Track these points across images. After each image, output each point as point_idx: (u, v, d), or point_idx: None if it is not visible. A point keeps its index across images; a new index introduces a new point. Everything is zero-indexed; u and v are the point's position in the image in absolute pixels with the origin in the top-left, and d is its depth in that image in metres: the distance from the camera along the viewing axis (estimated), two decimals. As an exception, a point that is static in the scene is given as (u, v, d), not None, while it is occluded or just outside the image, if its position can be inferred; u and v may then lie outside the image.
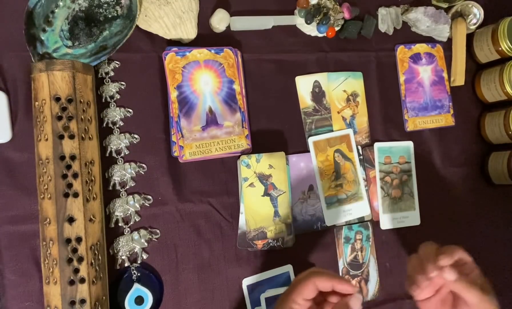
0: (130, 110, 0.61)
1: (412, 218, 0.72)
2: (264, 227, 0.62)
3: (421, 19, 0.73)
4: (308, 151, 0.67)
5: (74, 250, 0.50)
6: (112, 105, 0.60)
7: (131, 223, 0.59)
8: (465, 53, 0.76)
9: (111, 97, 0.60)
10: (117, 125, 0.60)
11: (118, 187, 0.59)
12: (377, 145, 0.71)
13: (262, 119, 0.66)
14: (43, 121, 0.50)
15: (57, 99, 0.51)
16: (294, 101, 0.68)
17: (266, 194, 0.63)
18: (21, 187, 0.55)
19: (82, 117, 0.52)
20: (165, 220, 0.61)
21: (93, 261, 0.50)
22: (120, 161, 0.59)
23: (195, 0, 0.63)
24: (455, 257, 0.46)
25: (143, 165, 0.61)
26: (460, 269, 0.47)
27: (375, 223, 0.70)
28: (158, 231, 0.60)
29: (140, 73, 0.62)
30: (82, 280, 0.49)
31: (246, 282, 0.63)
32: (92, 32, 0.58)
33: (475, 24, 0.77)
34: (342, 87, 0.71)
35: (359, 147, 0.71)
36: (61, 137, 0.50)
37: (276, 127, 0.67)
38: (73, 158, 0.50)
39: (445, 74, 0.77)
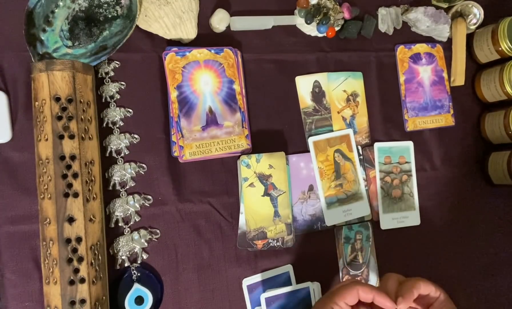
0: (130, 110, 0.61)
1: (412, 218, 0.72)
2: (264, 227, 0.62)
3: (421, 19, 0.73)
4: (308, 151, 0.67)
5: (74, 250, 0.50)
6: (112, 105, 0.60)
7: (131, 223, 0.59)
8: (465, 53, 0.76)
9: (111, 97, 0.60)
10: (117, 125, 0.60)
11: (118, 187, 0.59)
12: (377, 145, 0.71)
13: (262, 119, 0.67)
14: (43, 121, 0.50)
15: (57, 99, 0.51)
16: (294, 101, 0.68)
17: (266, 194, 0.63)
18: (21, 187, 0.55)
19: (82, 117, 0.52)
20: (165, 220, 0.61)
21: (93, 261, 0.50)
22: (120, 161, 0.59)
23: (195, 0, 0.63)
24: (414, 295, 0.45)
25: (143, 165, 0.61)
26: (422, 302, 0.47)
27: (375, 223, 0.70)
28: (158, 231, 0.60)
29: (140, 73, 0.62)
30: (82, 280, 0.49)
31: (246, 282, 0.63)
32: (92, 32, 0.58)
33: (475, 24, 0.77)
34: (342, 87, 0.71)
35: (359, 147, 0.71)
36: (61, 137, 0.50)
37: (276, 127, 0.67)
38: (73, 158, 0.50)
39: (445, 74, 0.77)
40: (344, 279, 0.66)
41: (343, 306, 0.46)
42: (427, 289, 0.47)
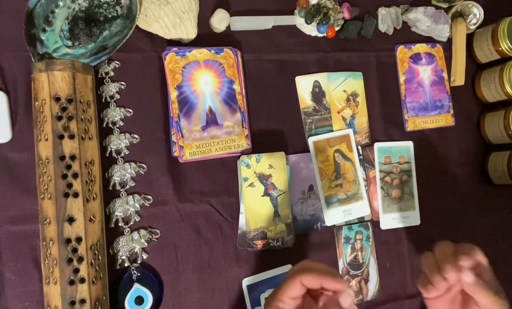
0: (130, 110, 0.61)
1: (412, 218, 0.72)
2: (264, 227, 0.62)
3: (421, 19, 0.73)
4: (308, 151, 0.67)
5: (74, 250, 0.50)
6: (112, 105, 0.60)
7: (131, 223, 0.59)
8: (465, 53, 0.76)
9: (111, 97, 0.60)
10: (117, 125, 0.60)
11: (118, 187, 0.59)
12: (377, 145, 0.71)
13: (262, 119, 0.66)
14: (43, 121, 0.50)
15: (57, 99, 0.51)
16: (294, 101, 0.68)
17: (266, 194, 0.63)
18: (21, 187, 0.55)
19: (82, 117, 0.52)
20: (165, 220, 0.61)
21: (93, 261, 0.50)
22: (120, 161, 0.59)
23: (195, 0, 0.63)
24: (475, 258, 0.45)
25: (143, 165, 0.61)
26: (476, 271, 0.46)
27: (375, 223, 0.70)
28: (158, 231, 0.60)
29: (140, 73, 0.62)
30: (82, 280, 0.49)
31: (246, 282, 0.63)
32: (92, 32, 0.58)
33: (475, 24, 0.77)
34: (342, 87, 0.71)
35: (359, 147, 0.71)
36: (61, 137, 0.50)
37: (276, 127, 0.67)
38: (73, 158, 0.50)
39: (445, 74, 0.77)
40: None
41: (288, 301, 0.42)
42: (483, 259, 0.46)
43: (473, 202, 0.77)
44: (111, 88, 0.60)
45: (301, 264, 0.45)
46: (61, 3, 0.57)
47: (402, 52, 0.75)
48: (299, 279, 0.42)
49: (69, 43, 0.57)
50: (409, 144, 0.73)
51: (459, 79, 0.76)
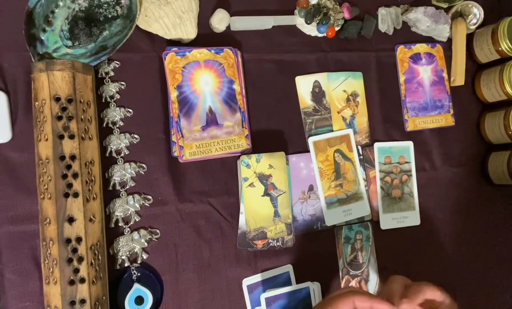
0: (130, 110, 0.61)
1: (412, 218, 0.72)
2: (264, 227, 0.62)
3: (421, 19, 0.73)
4: (308, 151, 0.67)
5: (74, 250, 0.50)
6: (112, 105, 0.60)
7: (131, 223, 0.59)
8: (465, 53, 0.76)
9: (111, 97, 0.60)
10: (117, 125, 0.60)
11: (118, 187, 0.59)
12: (377, 145, 0.71)
13: (262, 119, 0.67)
14: (43, 121, 0.50)
15: (57, 99, 0.51)
16: (294, 101, 0.68)
17: (266, 194, 0.63)
18: (21, 187, 0.55)
19: (82, 117, 0.52)
20: (165, 220, 0.61)
21: (93, 261, 0.50)
22: (120, 161, 0.59)
23: (195, 0, 0.63)
24: (420, 299, 0.45)
25: (143, 165, 0.61)
26: (427, 307, 0.46)
27: (375, 223, 0.70)
28: (158, 231, 0.60)
29: (140, 73, 0.62)
30: (82, 280, 0.49)
31: (246, 282, 0.63)
32: (92, 32, 0.58)
33: (475, 24, 0.77)
34: (342, 87, 0.71)
35: (359, 147, 0.71)
36: (61, 137, 0.50)
37: (276, 127, 0.67)
38: (73, 158, 0.50)
39: (445, 74, 0.77)
40: (343, 280, 0.66)
41: None
42: (433, 294, 0.46)
43: (473, 202, 0.76)
44: (111, 88, 0.60)
45: (351, 287, 0.48)
46: (61, 3, 0.57)
47: (402, 52, 0.75)
48: (352, 298, 0.44)
49: (69, 43, 0.57)
50: (409, 144, 0.73)
51: (459, 79, 0.76)
